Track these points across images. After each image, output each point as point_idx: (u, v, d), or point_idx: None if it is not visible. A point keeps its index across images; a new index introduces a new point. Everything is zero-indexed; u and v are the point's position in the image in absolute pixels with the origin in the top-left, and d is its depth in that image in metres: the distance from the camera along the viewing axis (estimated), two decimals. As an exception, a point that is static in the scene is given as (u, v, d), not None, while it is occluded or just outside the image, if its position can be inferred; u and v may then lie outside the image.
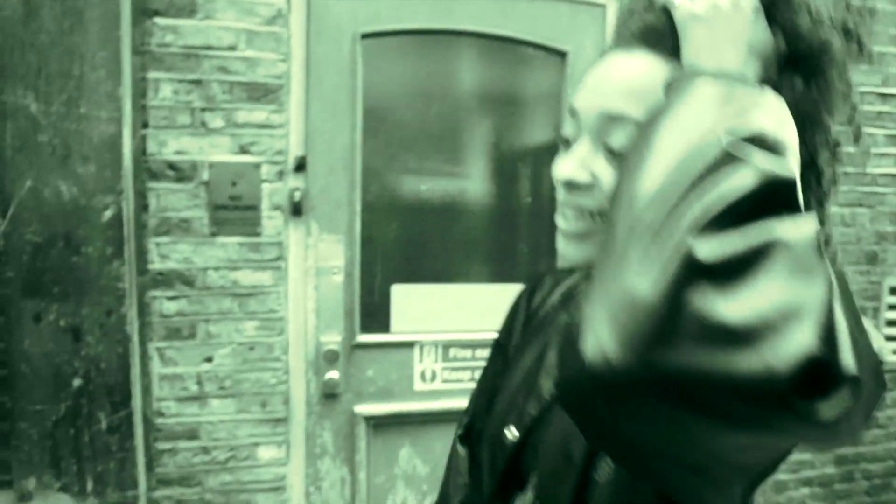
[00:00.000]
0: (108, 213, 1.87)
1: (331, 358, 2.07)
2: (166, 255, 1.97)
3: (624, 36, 0.61)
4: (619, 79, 0.58)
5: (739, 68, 0.51)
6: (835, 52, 0.55)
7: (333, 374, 2.07)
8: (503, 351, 0.82)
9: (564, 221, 0.62)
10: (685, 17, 0.53)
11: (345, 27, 2.06)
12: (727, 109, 0.43)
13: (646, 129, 0.46)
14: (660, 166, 0.42)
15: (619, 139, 0.57)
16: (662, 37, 0.56)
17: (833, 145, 0.58)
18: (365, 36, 2.07)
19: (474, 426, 0.81)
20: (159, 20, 1.92)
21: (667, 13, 0.56)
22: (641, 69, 0.57)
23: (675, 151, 0.42)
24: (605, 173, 0.58)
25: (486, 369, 0.85)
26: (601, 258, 0.42)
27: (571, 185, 0.59)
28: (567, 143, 0.62)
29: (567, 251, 0.62)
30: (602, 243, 0.43)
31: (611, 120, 0.57)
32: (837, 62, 0.56)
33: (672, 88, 0.47)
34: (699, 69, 0.50)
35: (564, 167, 0.60)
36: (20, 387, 1.85)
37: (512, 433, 0.69)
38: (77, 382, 1.88)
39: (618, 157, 0.57)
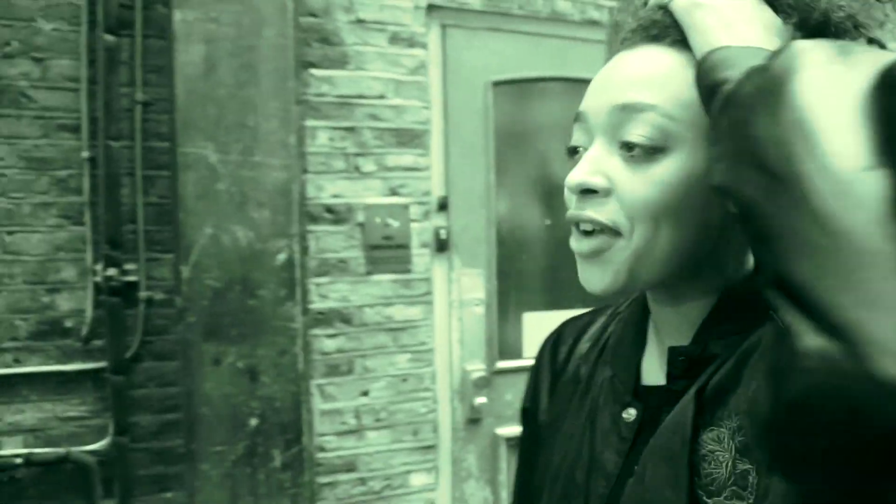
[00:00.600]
0: (281, 257, 1.95)
1: (481, 384, 2.19)
2: (325, 294, 2.06)
3: (620, 42, 0.58)
4: (629, 71, 0.54)
5: (762, 44, 0.46)
6: (857, 18, 0.52)
7: (482, 400, 2.20)
8: (533, 419, 0.72)
9: (577, 243, 0.56)
10: (687, 7, 0.51)
11: (478, 76, 2.22)
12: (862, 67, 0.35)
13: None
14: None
15: (638, 130, 0.52)
16: (666, 28, 0.53)
17: None
18: (495, 83, 2.24)
19: None
20: (315, 71, 2.04)
21: (665, 10, 0.54)
22: (652, 58, 0.54)
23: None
24: (622, 176, 0.52)
25: (522, 443, 0.76)
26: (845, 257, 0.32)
27: (586, 192, 0.54)
28: (576, 152, 0.56)
29: (590, 277, 0.56)
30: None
31: (625, 111, 0.52)
32: (863, 26, 0.52)
33: (776, 63, 0.39)
34: (725, 46, 0.46)
35: (577, 172, 0.54)
36: (201, 429, 1.90)
37: None
38: (254, 422, 1.94)
39: (637, 153, 0.52)
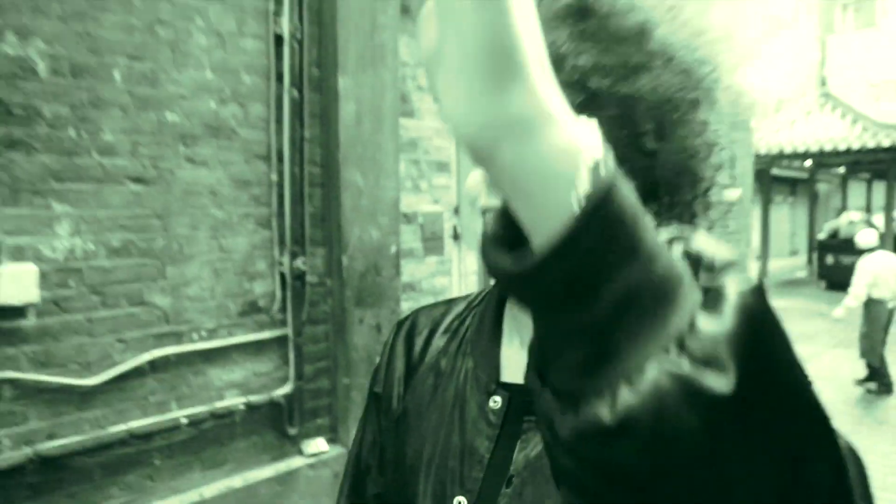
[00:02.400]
0: (392, 248, 2.87)
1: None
2: (403, 272, 3.04)
3: None
4: None
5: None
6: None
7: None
8: (386, 405, 0.72)
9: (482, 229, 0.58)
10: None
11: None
12: None
13: None
14: None
15: None
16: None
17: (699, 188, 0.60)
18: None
19: (387, 499, 0.72)
20: (402, 121, 2.98)
21: None
22: None
23: None
24: None
25: (365, 424, 0.75)
26: None
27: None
28: None
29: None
30: None
31: None
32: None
33: None
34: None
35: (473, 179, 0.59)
36: (352, 369, 2.74)
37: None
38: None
39: None
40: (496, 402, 0.62)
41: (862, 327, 5.98)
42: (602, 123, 0.45)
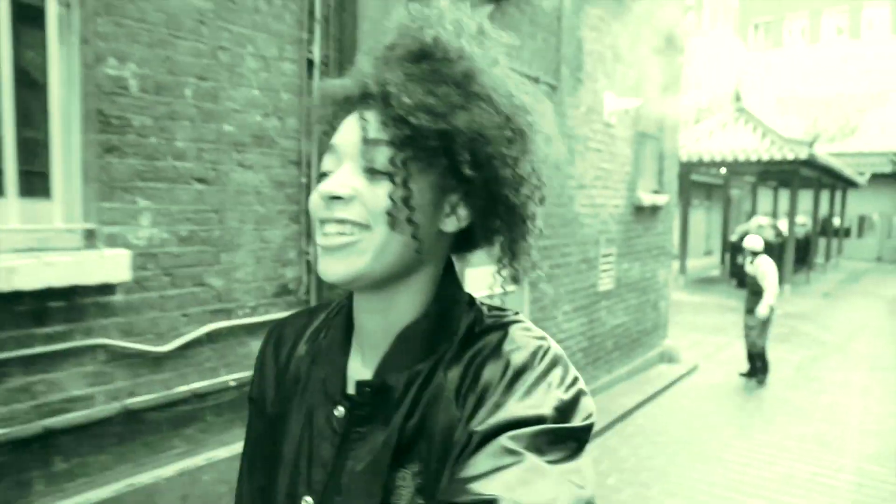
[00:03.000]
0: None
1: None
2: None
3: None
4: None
5: None
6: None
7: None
8: (261, 408, 0.81)
9: (325, 238, 0.66)
10: None
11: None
12: None
13: None
14: None
15: (380, 160, 0.64)
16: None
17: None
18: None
19: (260, 497, 0.79)
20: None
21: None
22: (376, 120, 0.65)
23: None
24: (365, 189, 0.64)
25: (248, 430, 0.83)
26: None
27: (335, 198, 0.65)
28: (325, 175, 0.68)
29: (330, 267, 0.66)
30: None
31: (368, 143, 0.65)
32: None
33: None
34: None
35: (328, 185, 0.66)
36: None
37: (308, 503, 0.69)
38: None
39: (377, 176, 0.65)
40: (339, 411, 0.70)
41: (751, 323, 6.68)
42: (424, 153, 0.63)
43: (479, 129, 0.64)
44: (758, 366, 6.75)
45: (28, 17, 2.15)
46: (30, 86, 2.20)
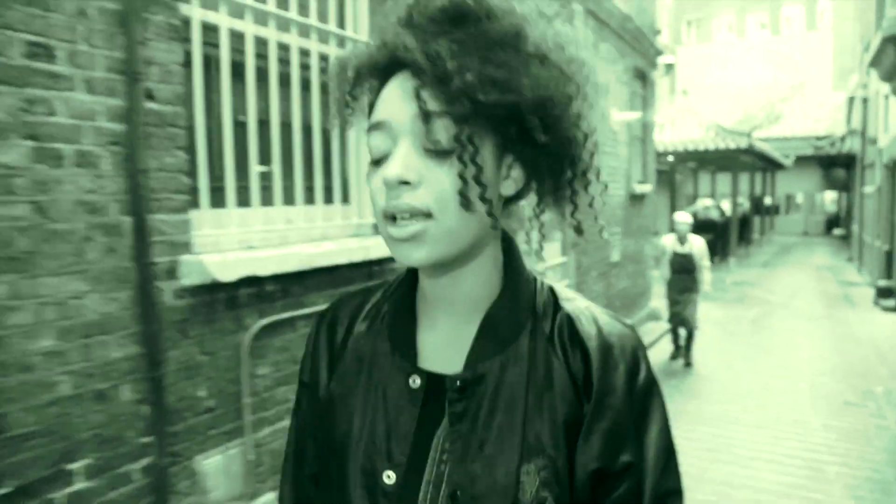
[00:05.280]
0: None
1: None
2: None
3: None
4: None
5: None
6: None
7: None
8: (313, 391, 0.78)
9: (397, 229, 0.63)
10: None
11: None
12: None
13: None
14: None
15: (443, 137, 0.60)
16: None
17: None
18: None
19: (326, 476, 0.75)
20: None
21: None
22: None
23: None
24: (431, 172, 0.61)
25: (297, 411, 0.81)
26: None
27: (402, 183, 0.60)
28: (378, 162, 0.64)
29: (411, 253, 0.63)
30: None
31: (428, 118, 0.60)
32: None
33: None
34: None
35: (392, 168, 0.61)
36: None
37: (390, 478, 0.67)
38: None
39: (440, 155, 0.61)
40: (415, 382, 0.69)
41: (680, 299, 6.60)
42: (490, 123, 0.62)
43: (545, 91, 0.61)
44: (682, 345, 6.77)
45: None
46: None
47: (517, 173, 0.67)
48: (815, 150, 23.35)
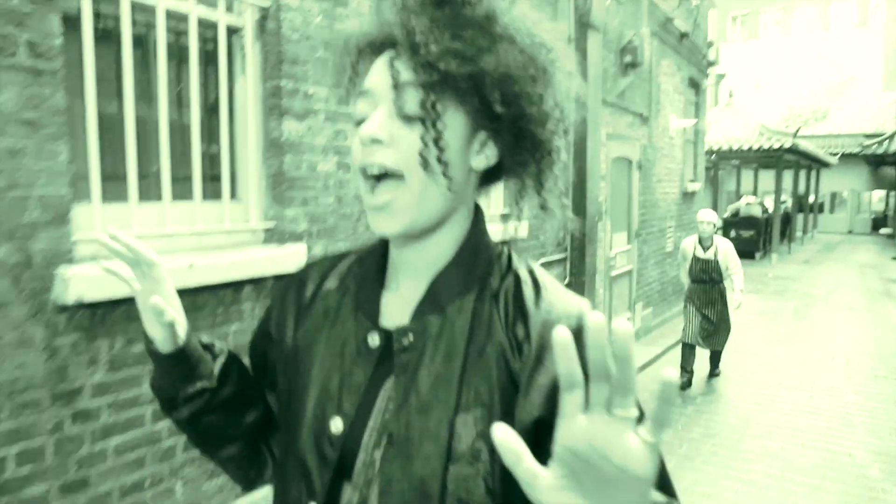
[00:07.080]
0: (600, 224, 5.69)
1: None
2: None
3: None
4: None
5: None
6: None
7: (601, 267, 6.27)
8: (278, 342, 0.83)
9: (372, 197, 0.70)
10: None
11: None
12: None
13: None
14: None
15: (411, 104, 0.67)
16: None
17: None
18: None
19: (284, 419, 0.80)
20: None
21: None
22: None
23: None
24: (401, 134, 0.68)
25: (254, 350, 0.89)
26: None
27: (374, 141, 0.68)
28: (360, 123, 0.71)
29: (382, 223, 0.71)
30: None
31: (402, 88, 0.67)
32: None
33: None
34: None
35: (367, 127, 0.68)
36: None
37: (337, 426, 0.71)
38: (576, 275, 5.68)
39: (409, 120, 0.68)
40: (374, 339, 0.73)
41: (712, 316, 5.57)
42: (454, 95, 0.67)
43: (506, 69, 0.67)
44: (691, 371, 5.62)
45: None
46: None
47: (491, 151, 0.73)
48: (862, 147, 23.39)
